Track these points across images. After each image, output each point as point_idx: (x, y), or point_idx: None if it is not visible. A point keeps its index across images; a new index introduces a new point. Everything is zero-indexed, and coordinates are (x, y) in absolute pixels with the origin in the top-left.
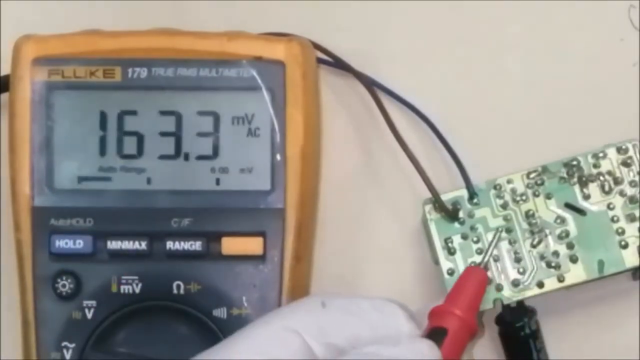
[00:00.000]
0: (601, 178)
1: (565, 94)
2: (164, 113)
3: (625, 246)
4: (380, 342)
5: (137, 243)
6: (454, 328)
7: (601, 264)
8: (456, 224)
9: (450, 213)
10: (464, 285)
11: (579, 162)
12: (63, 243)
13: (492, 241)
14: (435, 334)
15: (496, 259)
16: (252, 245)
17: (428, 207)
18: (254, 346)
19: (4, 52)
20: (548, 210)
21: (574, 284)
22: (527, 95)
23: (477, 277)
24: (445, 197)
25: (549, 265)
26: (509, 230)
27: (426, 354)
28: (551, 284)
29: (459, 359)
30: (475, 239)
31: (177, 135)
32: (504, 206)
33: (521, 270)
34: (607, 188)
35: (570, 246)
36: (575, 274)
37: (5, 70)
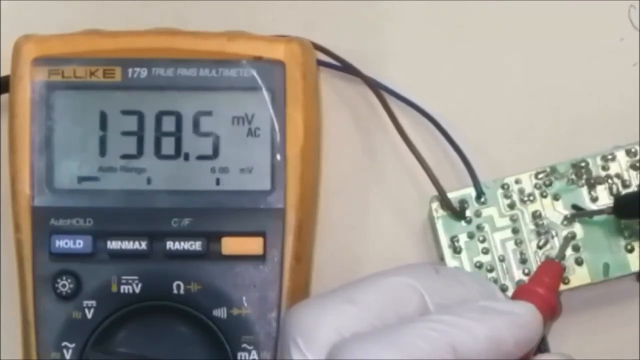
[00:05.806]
0: (609, 181)
1: (565, 93)
2: (164, 113)
3: (631, 250)
4: None
5: (137, 243)
6: (537, 305)
7: (606, 267)
8: (463, 223)
9: (457, 212)
10: (544, 272)
11: (587, 163)
12: (63, 243)
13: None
14: None
15: (501, 260)
16: (252, 245)
17: (435, 205)
18: (375, 294)
19: (4, 52)
20: (555, 211)
21: (579, 287)
22: (529, 95)
23: (554, 266)
24: (453, 196)
25: None
26: (515, 231)
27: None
28: None
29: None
30: (481, 238)
31: (177, 135)
32: (511, 206)
33: (526, 271)
34: (615, 191)
35: (576, 248)
36: (580, 276)
37: (5, 70)
